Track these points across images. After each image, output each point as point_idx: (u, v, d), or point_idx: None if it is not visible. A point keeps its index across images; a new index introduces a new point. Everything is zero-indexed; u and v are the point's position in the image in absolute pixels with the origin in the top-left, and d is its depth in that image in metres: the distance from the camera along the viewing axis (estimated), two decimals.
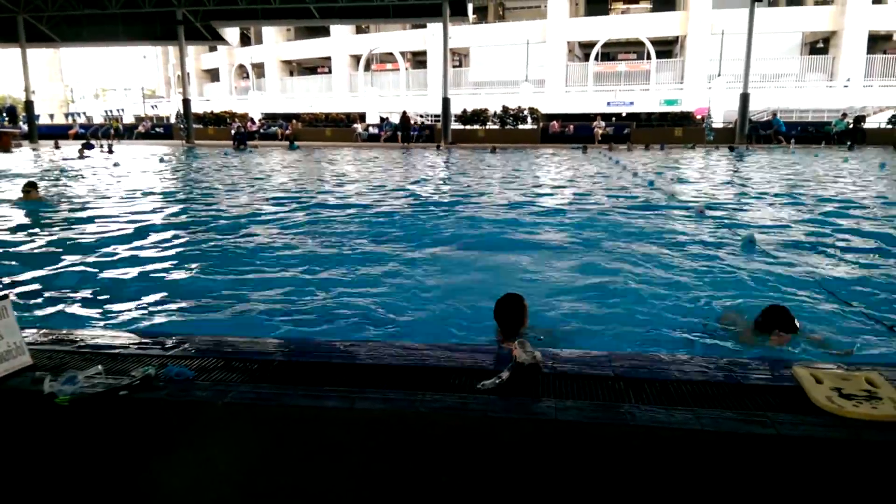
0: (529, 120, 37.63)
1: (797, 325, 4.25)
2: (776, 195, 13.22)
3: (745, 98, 32.36)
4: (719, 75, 39.94)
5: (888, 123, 33.35)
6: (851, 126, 31.94)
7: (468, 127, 37.70)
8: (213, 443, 2.54)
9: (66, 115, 58.47)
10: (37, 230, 9.41)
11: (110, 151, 30.03)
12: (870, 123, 34.30)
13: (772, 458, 2.42)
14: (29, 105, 40.13)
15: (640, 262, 7.14)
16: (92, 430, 2.67)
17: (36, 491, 2.25)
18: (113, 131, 43.77)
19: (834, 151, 28.37)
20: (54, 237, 8.91)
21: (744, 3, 32.51)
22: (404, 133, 37.17)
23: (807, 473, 2.32)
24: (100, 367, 3.10)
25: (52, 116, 52.35)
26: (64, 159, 24.71)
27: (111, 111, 54.34)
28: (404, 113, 38.46)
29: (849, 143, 30.80)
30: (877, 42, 43.47)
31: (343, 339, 3.90)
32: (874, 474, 2.33)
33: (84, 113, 60.33)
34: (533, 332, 4.68)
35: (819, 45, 46.17)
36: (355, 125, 41.10)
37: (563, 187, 15.02)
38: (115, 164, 22.35)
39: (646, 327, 4.96)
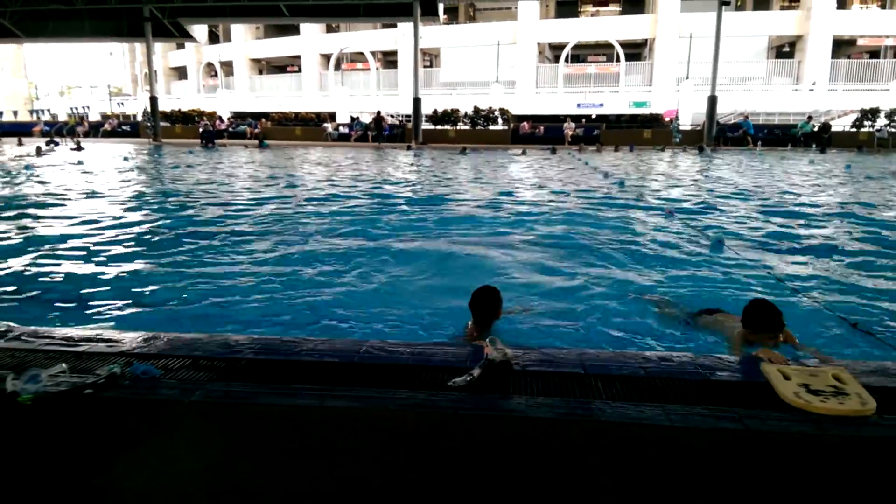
0: (500, 121, 37.71)
1: (782, 320, 4.18)
2: (744, 196, 13.40)
3: (712, 101, 32.75)
4: (687, 78, 40.39)
5: (852, 127, 34.00)
6: (817, 129, 32.56)
7: (439, 127, 37.67)
8: (178, 441, 2.49)
9: (31, 113, 57.43)
10: None
11: (80, 148, 29.78)
12: (834, 126, 34.97)
13: (740, 453, 2.44)
14: None
15: (610, 261, 7.19)
16: (55, 428, 2.61)
17: None
18: (78, 128, 43.06)
19: (800, 153, 28.86)
20: (10, 235, 8.71)
21: (712, 7, 32.94)
22: (377, 133, 37.09)
23: (775, 468, 2.34)
24: (64, 365, 3.04)
25: (15, 114, 51.35)
26: (18, 157, 24.14)
27: (76, 108, 53.48)
28: (378, 113, 38.41)
29: (814, 145, 31.40)
30: (841, 47, 44.29)
31: (313, 337, 3.87)
32: (841, 468, 2.36)
33: (48, 110, 59.25)
34: (510, 312, 4.74)
35: (785, 49, 46.92)
36: (325, 124, 40.85)
37: (534, 188, 15.07)
38: (79, 162, 21.97)
39: (616, 325, 4.99)
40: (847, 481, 2.27)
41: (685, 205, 12.13)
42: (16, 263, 7.03)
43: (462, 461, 2.36)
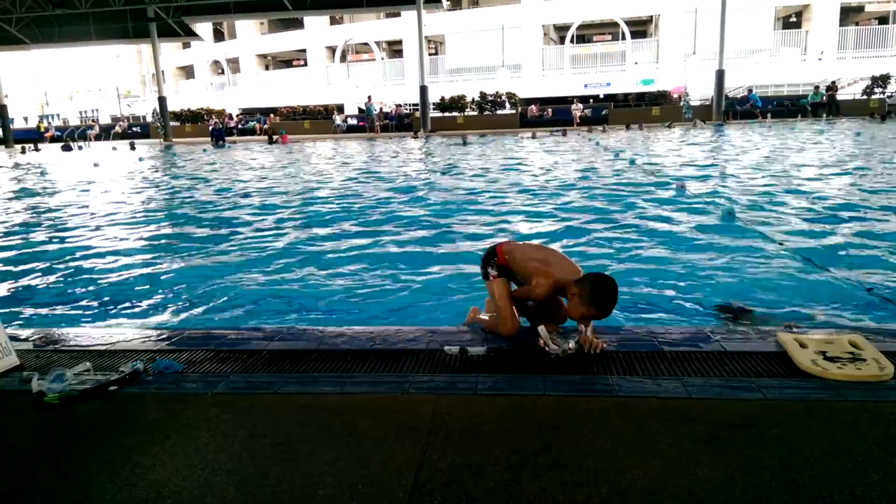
0: (507, 105, 37.56)
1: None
2: (752, 167, 13.31)
3: (720, 75, 32.49)
4: (694, 53, 40.02)
5: (863, 94, 33.63)
6: (825, 98, 32.22)
7: (447, 114, 37.59)
8: (203, 433, 2.54)
9: (41, 118, 57.83)
10: (15, 231, 9.32)
11: (132, 148, 32.07)
12: (844, 95, 34.57)
13: (760, 422, 2.46)
14: (2, 109, 39.69)
15: (623, 238, 7.18)
16: (82, 425, 2.67)
17: (29, 486, 2.24)
18: (89, 132, 43.47)
19: (809, 124, 28.58)
20: (31, 236, 8.82)
21: None
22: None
23: (793, 435, 2.36)
24: (88, 363, 3.10)
25: (26, 119, 51.73)
26: (17, 165, 24.39)
27: (85, 112, 53.82)
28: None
29: (824, 115, 31.10)
30: (849, 14, 43.73)
31: (332, 327, 3.91)
32: (860, 433, 2.37)
33: (58, 115, 59.66)
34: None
35: (792, 20, 46.38)
36: (334, 117, 40.87)
37: (546, 170, 15.02)
38: (95, 165, 22.18)
39: (632, 301, 5.00)
40: (867, 446, 2.28)
41: (696, 178, 12.06)
42: (37, 265, 7.11)
43: (482, 440, 2.39)
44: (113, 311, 5.36)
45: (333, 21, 54.83)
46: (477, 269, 3.78)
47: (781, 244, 6.51)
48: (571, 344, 3.16)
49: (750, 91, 35.21)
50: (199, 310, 5.27)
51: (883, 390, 2.68)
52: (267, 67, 60.23)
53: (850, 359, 2.89)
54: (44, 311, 5.48)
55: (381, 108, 39.17)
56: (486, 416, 2.58)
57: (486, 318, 3.70)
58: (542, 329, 3.23)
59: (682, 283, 5.41)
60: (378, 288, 5.68)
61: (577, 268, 3.40)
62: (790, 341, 3.10)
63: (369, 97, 38.91)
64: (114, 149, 33.50)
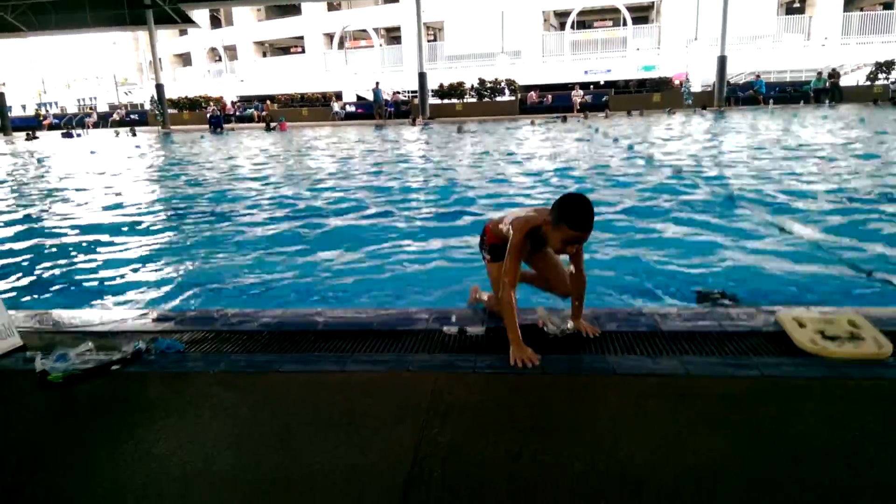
0: (507, 92, 37.42)
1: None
2: (753, 153, 13.30)
3: (722, 61, 32.38)
4: (696, 39, 39.84)
5: (867, 80, 33.49)
6: (828, 84, 32.12)
7: (446, 101, 37.46)
8: (205, 410, 2.56)
9: (39, 106, 57.68)
10: (19, 214, 9.34)
11: (133, 135, 32.61)
12: (847, 81, 34.43)
13: (757, 399, 2.48)
14: (0, 97, 39.67)
15: (622, 222, 7.18)
16: (85, 403, 2.69)
17: (34, 463, 2.26)
18: (87, 120, 43.43)
19: (812, 110, 28.50)
20: (35, 221, 8.83)
21: None
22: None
23: (791, 411, 2.37)
24: (90, 343, 3.11)
25: (24, 107, 51.60)
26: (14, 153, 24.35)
27: (83, 100, 53.67)
28: None
29: (827, 101, 31.00)
30: None
31: (332, 307, 3.93)
32: (857, 410, 2.39)
33: (56, 103, 59.52)
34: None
35: (795, 5, 46.13)
36: (333, 104, 40.72)
37: (545, 156, 15.01)
38: (92, 152, 22.15)
39: (632, 283, 5.01)
40: (864, 422, 2.30)
41: (694, 164, 12.05)
42: (40, 248, 7.14)
43: (481, 418, 2.41)
44: (115, 293, 5.38)
45: (331, 7, 54.50)
46: (475, 249, 3.79)
47: (782, 227, 6.51)
48: (570, 324, 3.18)
49: (757, 77, 35.04)
50: (201, 291, 5.29)
51: (880, 368, 2.70)
52: (264, 54, 59.91)
53: (849, 337, 2.90)
54: (47, 293, 5.51)
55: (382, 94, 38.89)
56: (484, 394, 2.60)
57: (486, 298, 3.72)
58: (540, 309, 3.25)
59: (681, 266, 5.42)
60: (378, 269, 5.70)
61: None
62: (789, 321, 3.11)
63: (377, 83, 38.69)
64: (116, 135, 33.66)
